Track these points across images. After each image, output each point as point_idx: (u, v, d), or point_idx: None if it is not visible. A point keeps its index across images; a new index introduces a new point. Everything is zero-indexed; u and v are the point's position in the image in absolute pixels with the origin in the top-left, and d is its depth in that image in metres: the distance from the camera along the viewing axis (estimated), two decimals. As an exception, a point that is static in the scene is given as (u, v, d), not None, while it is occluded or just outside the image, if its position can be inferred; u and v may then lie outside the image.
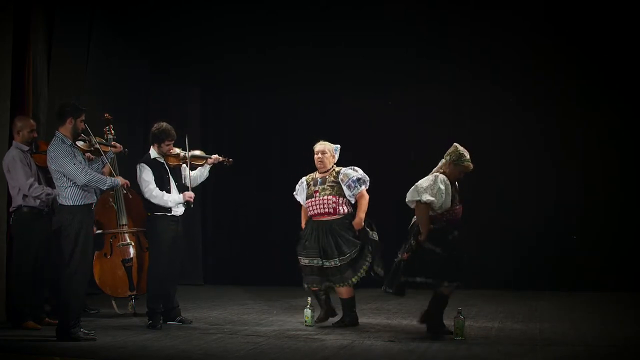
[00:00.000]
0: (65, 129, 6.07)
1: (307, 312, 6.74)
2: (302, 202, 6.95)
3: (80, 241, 5.94)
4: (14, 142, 6.76)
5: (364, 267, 6.58)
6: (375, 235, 6.73)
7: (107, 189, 6.63)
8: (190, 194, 6.86)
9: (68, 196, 5.99)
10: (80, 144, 6.29)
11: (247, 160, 9.11)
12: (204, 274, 10.88)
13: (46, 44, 8.01)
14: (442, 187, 6.03)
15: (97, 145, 6.46)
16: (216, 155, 7.07)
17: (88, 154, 6.43)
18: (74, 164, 5.96)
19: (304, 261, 6.71)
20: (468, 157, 6.10)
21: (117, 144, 6.80)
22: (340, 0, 9.82)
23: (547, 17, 9.45)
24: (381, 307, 7.99)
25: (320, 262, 6.60)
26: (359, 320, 6.80)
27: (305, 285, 6.77)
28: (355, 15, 9.81)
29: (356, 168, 6.81)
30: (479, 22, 9.68)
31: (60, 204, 6.07)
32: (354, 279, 6.59)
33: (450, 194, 6.07)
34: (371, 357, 5.36)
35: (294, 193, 7.03)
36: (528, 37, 9.57)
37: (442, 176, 6.09)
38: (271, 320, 7.10)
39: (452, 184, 6.14)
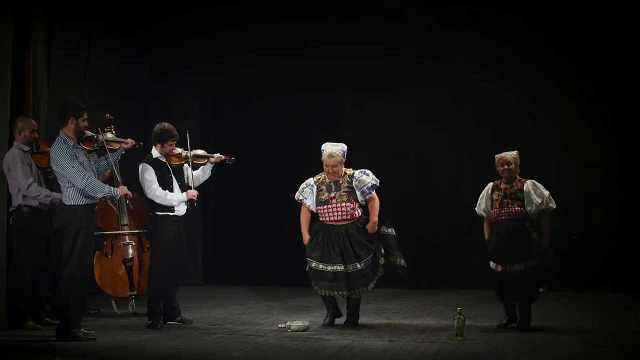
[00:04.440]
0: (68, 130, 6.03)
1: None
2: (310, 206, 6.75)
3: (80, 241, 5.93)
4: (14, 142, 6.74)
5: (380, 270, 6.60)
6: (392, 230, 6.73)
7: (104, 197, 6.20)
8: (193, 192, 6.83)
9: (70, 196, 5.97)
10: (84, 143, 6.17)
11: (248, 160, 9.09)
12: (204, 274, 10.87)
13: (46, 44, 8.01)
14: (483, 193, 6.80)
15: (104, 144, 6.28)
16: (218, 154, 7.06)
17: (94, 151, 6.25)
18: (74, 166, 5.92)
19: (321, 267, 6.60)
20: (497, 158, 6.83)
21: (129, 139, 6.55)
22: (341, 0, 9.82)
23: (547, 18, 9.45)
24: (381, 307, 8.00)
25: (342, 268, 6.53)
26: (359, 321, 6.80)
27: (317, 289, 6.70)
28: (355, 15, 9.81)
29: (367, 172, 6.70)
30: (479, 22, 9.68)
31: (63, 204, 6.06)
32: (372, 284, 6.59)
33: (486, 198, 6.73)
34: (371, 357, 5.36)
35: (298, 195, 6.81)
36: (528, 37, 9.57)
37: (489, 184, 6.81)
38: (271, 320, 7.09)
39: (501, 189, 6.69)
